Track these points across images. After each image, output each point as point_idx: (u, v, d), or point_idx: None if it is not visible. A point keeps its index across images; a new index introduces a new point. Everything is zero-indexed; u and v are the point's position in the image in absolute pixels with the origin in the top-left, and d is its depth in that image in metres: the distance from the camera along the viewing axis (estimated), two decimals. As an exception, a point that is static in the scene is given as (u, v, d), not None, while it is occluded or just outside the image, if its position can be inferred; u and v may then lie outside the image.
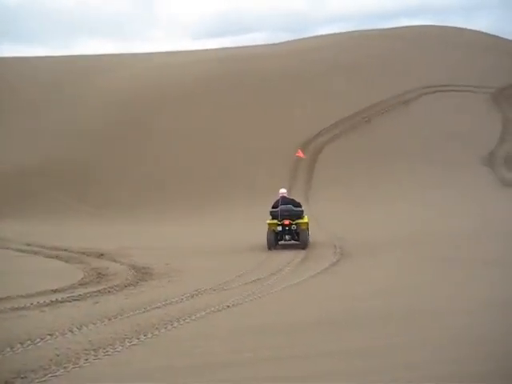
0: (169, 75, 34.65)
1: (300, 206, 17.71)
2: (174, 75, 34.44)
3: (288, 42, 46.93)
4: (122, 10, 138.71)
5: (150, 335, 7.72)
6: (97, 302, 10.31)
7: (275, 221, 17.11)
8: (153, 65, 38.13)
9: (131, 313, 9.16)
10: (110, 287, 11.78)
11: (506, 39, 44.13)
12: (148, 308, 9.57)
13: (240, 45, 51.30)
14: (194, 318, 8.88)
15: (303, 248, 16.92)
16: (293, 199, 18.04)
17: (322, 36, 47.57)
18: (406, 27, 46.69)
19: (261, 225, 18.16)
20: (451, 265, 13.22)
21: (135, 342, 7.37)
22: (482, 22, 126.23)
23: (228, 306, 10.16)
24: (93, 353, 6.77)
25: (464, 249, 15.39)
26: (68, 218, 24.72)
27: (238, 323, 8.85)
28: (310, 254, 16.44)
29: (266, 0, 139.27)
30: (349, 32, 46.93)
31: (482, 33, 45.12)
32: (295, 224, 17.01)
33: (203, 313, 9.28)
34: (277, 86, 33.06)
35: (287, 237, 17.28)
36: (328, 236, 19.09)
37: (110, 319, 8.69)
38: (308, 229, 17.41)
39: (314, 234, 19.41)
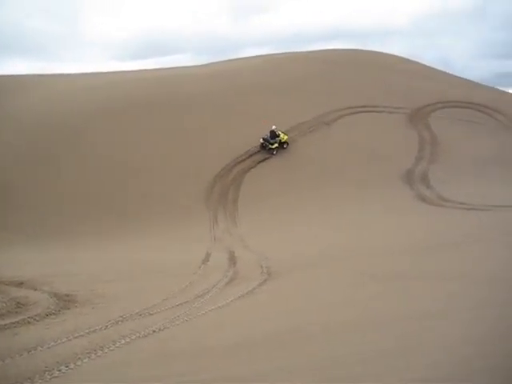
0: (92, 96, 34.03)
1: (278, 136, 30.60)
2: (98, 97, 33.87)
3: (211, 63, 47.26)
4: (44, 29, 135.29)
5: (72, 366, 7.51)
6: (16, 334, 9.91)
7: (261, 140, 30.48)
8: (75, 86, 37.33)
9: (52, 343, 8.87)
10: (29, 317, 11.35)
11: (419, 63, 46.34)
12: (70, 337, 9.30)
13: (164, 66, 51.19)
14: (118, 344, 8.72)
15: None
16: (273, 132, 30.51)
17: (245, 58, 48.22)
18: (327, 50, 48.03)
19: (182, 247, 18.07)
20: (370, 279, 13.59)
21: (56, 373, 7.16)
22: (396, 47, 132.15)
23: (154, 331, 10.05)
24: (9, 388, 6.53)
25: (385, 264, 15.87)
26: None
27: (162, 349, 8.75)
28: (238, 275, 16.47)
29: (189, 22, 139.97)
30: (271, 54, 47.82)
31: (397, 56, 47.18)
32: (269, 144, 30.47)
33: (128, 339, 9.13)
34: (201, 107, 33.15)
35: (266, 148, 30.44)
36: (255, 256, 19.19)
37: (29, 351, 8.38)
38: (282, 144, 30.74)
39: (241, 255, 19.52)
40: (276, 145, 30.58)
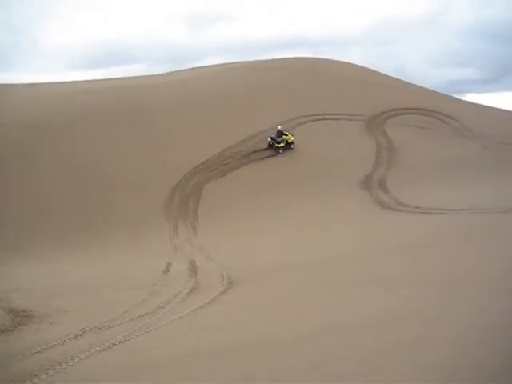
0: (49, 106, 33.46)
1: (285, 135, 32.02)
2: (55, 106, 33.32)
3: (171, 72, 47.08)
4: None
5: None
6: (-30, 353, 9.66)
7: (269, 139, 31.85)
8: (31, 95, 36.66)
9: (8, 361, 8.67)
10: (-16, 335, 11.08)
11: (376, 71, 47.18)
12: (27, 354, 9.12)
13: (123, 75, 50.69)
14: (77, 359, 8.61)
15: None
16: (280, 132, 31.92)
17: (205, 67, 48.21)
18: (286, 59, 48.38)
19: (142, 258, 17.91)
20: (330, 286, 13.77)
21: (12, 392, 7.01)
22: (353, 55, 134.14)
23: (114, 344, 9.95)
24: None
25: (345, 270, 16.08)
26: None
27: (122, 362, 8.67)
28: (199, 285, 16.43)
29: (148, 31, 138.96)
30: (231, 63, 47.94)
31: (354, 65, 47.92)
32: (276, 143, 31.77)
33: (87, 353, 9.01)
34: (161, 116, 33.00)
35: (273, 147, 31.83)
36: (216, 265, 19.17)
37: (-16, 370, 8.19)
38: (289, 143, 32.12)
39: (202, 265, 19.47)
40: (282, 144, 31.98)
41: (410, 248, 18.10)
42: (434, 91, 46.16)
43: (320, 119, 34.17)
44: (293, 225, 24.71)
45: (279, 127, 32.33)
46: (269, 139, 31.99)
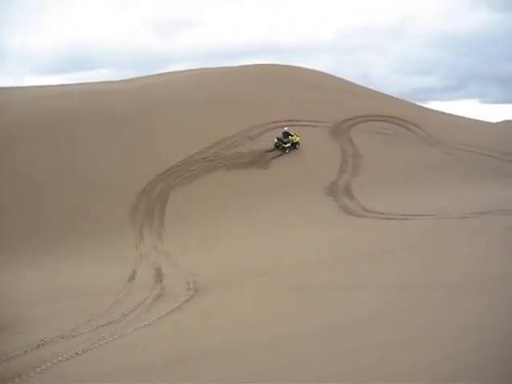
0: (14, 112, 32.87)
1: (291, 136, 33.22)
2: (21, 112, 32.75)
3: (137, 78, 46.73)
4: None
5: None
6: None
7: (276, 140, 33.05)
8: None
9: (-33, 372, 8.50)
10: None
11: (342, 78, 47.74)
12: (-13, 365, 8.93)
13: (88, 81, 50.10)
14: (38, 370, 8.47)
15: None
16: (286, 133, 33.19)
17: (171, 73, 48.00)
18: (252, 65, 48.50)
19: (107, 266, 17.67)
20: (294, 292, 13.87)
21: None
22: (320, 62, 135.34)
23: (77, 354, 9.84)
24: None
25: (309, 276, 16.21)
26: None
27: (84, 372, 8.58)
28: (164, 292, 16.36)
29: (113, 36, 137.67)
30: (197, 69, 47.84)
31: (320, 72, 48.38)
32: (283, 143, 32.99)
33: (49, 364, 8.88)
34: (125, 122, 32.72)
35: (280, 147, 33.11)
36: (182, 272, 19.10)
37: None
38: (294, 144, 33.43)
39: (167, 272, 19.37)
40: (289, 144, 33.25)
41: (374, 254, 18.34)
42: (398, 98, 46.92)
43: (286, 125, 34.34)
44: (258, 231, 24.77)
45: (285, 128, 33.71)
46: (275, 140, 33.23)
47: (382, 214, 26.12)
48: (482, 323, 8.99)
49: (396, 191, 30.01)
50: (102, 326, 12.34)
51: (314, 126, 36.09)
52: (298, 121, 35.89)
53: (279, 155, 33.10)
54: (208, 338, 10.62)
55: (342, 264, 17.44)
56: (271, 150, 33.11)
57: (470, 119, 47.24)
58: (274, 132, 33.74)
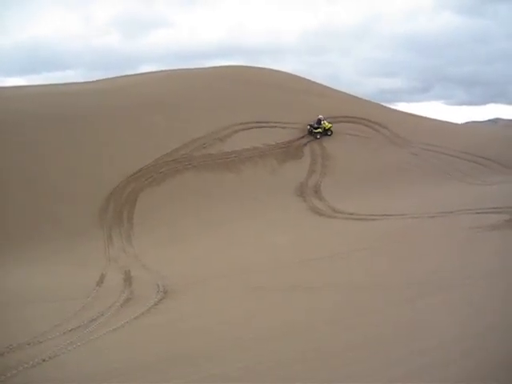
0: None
1: (323, 123, 36.32)
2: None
3: (104, 79, 46.23)
4: None
5: None
6: None
7: (308, 126, 36.23)
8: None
9: None
10: None
11: (310, 80, 47.98)
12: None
13: (54, 82, 49.40)
14: (3, 378, 8.32)
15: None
16: (319, 120, 36.41)
17: (138, 74, 47.66)
18: (221, 67, 48.47)
19: (75, 269, 17.42)
20: (263, 293, 13.93)
21: None
22: (288, 64, 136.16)
23: (44, 360, 9.70)
24: None
25: (278, 277, 16.30)
26: None
27: (52, 378, 8.47)
28: (134, 295, 16.23)
29: (80, 36, 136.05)
30: (166, 70, 47.58)
31: (288, 73, 48.58)
32: (314, 129, 36.17)
33: (14, 371, 8.73)
34: (91, 124, 32.33)
35: (312, 133, 36.26)
36: (152, 275, 18.99)
37: None
38: (326, 130, 36.47)
39: (137, 275, 19.23)
40: (320, 130, 36.15)
41: (342, 254, 18.52)
42: (365, 100, 47.38)
43: (254, 127, 34.44)
44: (226, 233, 24.79)
45: (320, 116, 36.70)
46: (308, 127, 36.19)
47: (351, 214, 26.37)
48: (445, 321, 9.17)
49: (365, 192, 30.34)
50: (69, 330, 12.18)
51: (283, 128, 36.25)
52: (266, 122, 36.03)
53: (308, 141, 35.72)
54: (177, 342, 10.59)
55: (309, 265, 17.56)
56: (302, 137, 35.78)
57: (435, 120, 48.00)
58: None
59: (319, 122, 36.36)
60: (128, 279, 18.55)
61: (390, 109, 48.58)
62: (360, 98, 46.77)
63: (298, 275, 15.95)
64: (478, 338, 7.94)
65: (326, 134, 36.36)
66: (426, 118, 47.11)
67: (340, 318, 10.15)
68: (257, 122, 35.55)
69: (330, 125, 36.56)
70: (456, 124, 51.27)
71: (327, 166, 33.71)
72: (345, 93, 47.14)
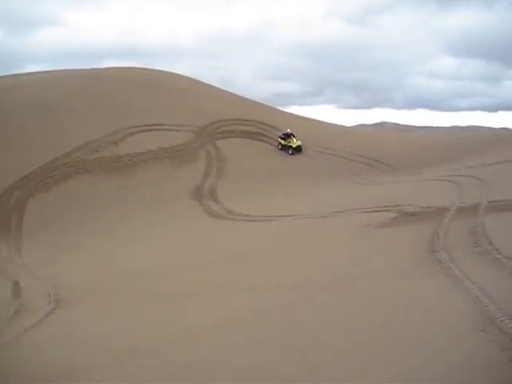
0: None
1: (293, 136, 37.16)
2: None
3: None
4: None
5: None
6: None
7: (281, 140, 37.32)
8: None
9: None
10: None
11: (204, 82, 48.13)
12: None
13: None
14: None
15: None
16: (287, 133, 37.21)
17: (24, 74, 45.49)
18: (113, 68, 47.37)
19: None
20: (158, 298, 13.86)
21: None
22: (183, 66, 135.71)
23: None
24: None
25: (175, 282, 16.27)
26: None
27: None
28: (23, 307, 15.56)
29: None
30: (55, 70, 45.79)
31: (183, 76, 48.40)
32: (282, 140, 37.09)
33: None
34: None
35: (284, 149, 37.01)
36: (43, 284, 18.24)
37: None
38: (295, 147, 36.93)
39: (26, 285, 18.41)
40: (291, 144, 36.98)
41: (239, 256, 18.76)
42: (260, 103, 48.23)
43: (149, 130, 34.01)
44: (121, 239, 24.32)
45: (288, 130, 37.79)
46: (278, 139, 37.47)
47: (246, 216, 26.75)
48: (335, 319, 9.59)
49: (260, 194, 30.87)
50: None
51: (178, 131, 36.08)
52: (161, 125, 35.69)
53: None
54: (69, 354, 10.30)
55: (202, 269, 17.60)
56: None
57: (328, 123, 49.79)
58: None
59: (287, 136, 37.18)
60: (17, 290, 17.73)
61: (284, 112, 49.80)
62: (255, 102, 47.57)
63: (195, 279, 15.98)
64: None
65: (298, 151, 37.01)
66: (318, 121, 48.75)
67: (233, 322, 10.32)
68: (152, 125, 35.14)
69: (298, 142, 37.11)
70: (346, 127, 53.43)
71: (223, 169, 33.96)
72: (240, 96, 47.75)
